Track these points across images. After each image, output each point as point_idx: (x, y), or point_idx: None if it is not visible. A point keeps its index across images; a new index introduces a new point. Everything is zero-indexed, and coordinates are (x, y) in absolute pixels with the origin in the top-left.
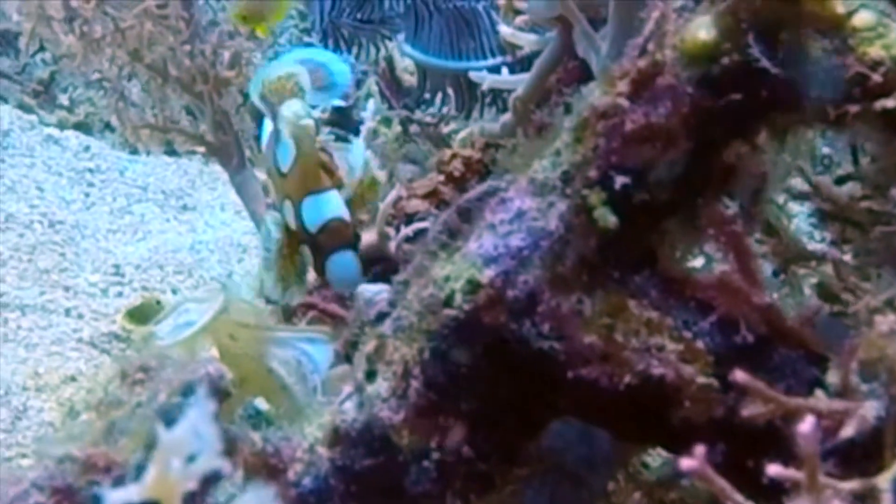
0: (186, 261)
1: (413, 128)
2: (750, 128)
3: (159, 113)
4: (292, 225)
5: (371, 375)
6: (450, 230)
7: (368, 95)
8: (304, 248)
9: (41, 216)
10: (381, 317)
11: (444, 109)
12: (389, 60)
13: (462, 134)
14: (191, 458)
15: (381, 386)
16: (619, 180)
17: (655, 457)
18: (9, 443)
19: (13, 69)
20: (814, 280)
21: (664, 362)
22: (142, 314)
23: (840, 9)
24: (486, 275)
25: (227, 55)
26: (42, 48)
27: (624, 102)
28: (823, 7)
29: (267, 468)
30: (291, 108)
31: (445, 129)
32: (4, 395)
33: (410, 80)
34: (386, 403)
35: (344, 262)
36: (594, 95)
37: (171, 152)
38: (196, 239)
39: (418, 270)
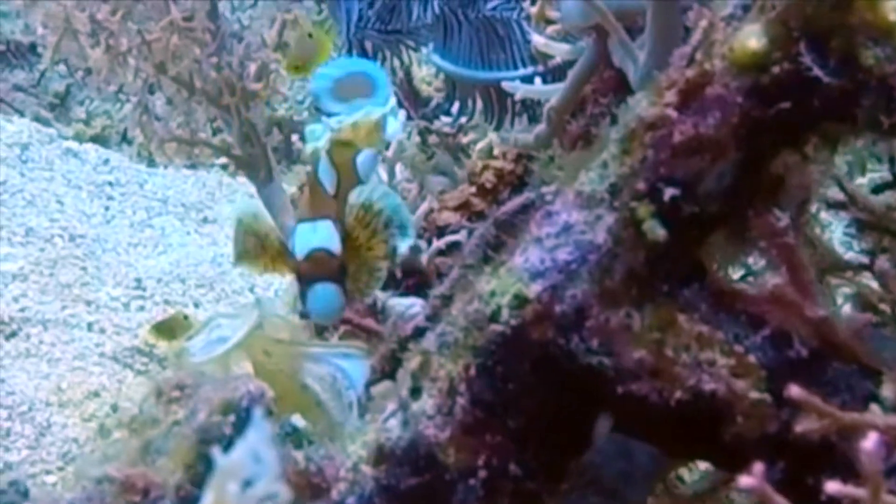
0: (208, 274)
1: (432, 138)
2: (800, 137)
3: (185, 126)
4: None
5: (416, 392)
6: (487, 243)
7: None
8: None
9: (62, 230)
10: (419, 332)
11: (463, 119)
12: (408, 71)
13: (481, 144)
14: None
15: (427, 403)
16: (668, 192)
17: (694, 471)
18: (33, 459)
19: (28, 82)
20: (846, 290)
21: (716, 377)
22: (168, 329)
23: (893, 16)
24: (533, 289)
25: (253, 67)
26: (57, 61)
27: (672, 113)
28: (876, 14)
29: (310, 487)
30: (315, 134)
31: (465, 140)
32: (28, 411)
33: (429, 90)
34: (431, 421)
35: (324, 295)
36: (641, 106)
37: (190, 165)
38: (217, 252)
39: (462, 285)
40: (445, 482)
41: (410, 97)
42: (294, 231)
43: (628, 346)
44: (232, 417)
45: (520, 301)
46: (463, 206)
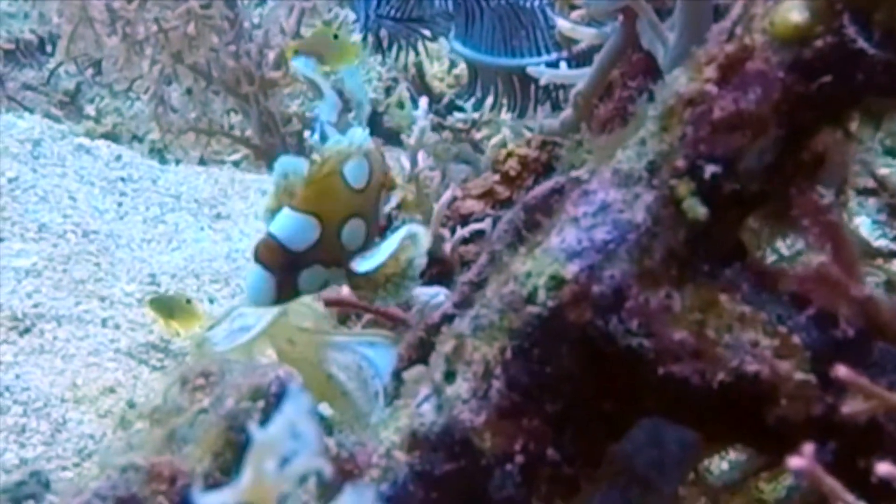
0: (223, 269)
1: (445, 134)
2: (843, 113)
3: (202, 116)
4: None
5: (450, 376)
6: (516, 228)
7: (400, 103)
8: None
9: (74, 226)
10: (448, 319)
11: (476, 115)
12: (419, 67)
13: (495, 140)
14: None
15: (461, 387)
16: (709, 169)
17: (723, 460)
18: (49, 455)
19: (38, 81)
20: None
21: (759, 358)
22: (166, 307)
23: None
24: (570, 270)
25: (271, 55)
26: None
27: (712, 89)
28: None
29: (342, 474)
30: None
31: (478, 135)
32: (43, 407)
33: (441, 86)
34: (466, 405)
35: (254, 278)
36: (679, 82)
37: (201, 161)
38: (232, 247)
39: (497, 267)
40: (481, 468)
41: (423, 93)
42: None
43: (669, 327)
44: (261, 403)
45: (556, 282)
46: (487, 195)
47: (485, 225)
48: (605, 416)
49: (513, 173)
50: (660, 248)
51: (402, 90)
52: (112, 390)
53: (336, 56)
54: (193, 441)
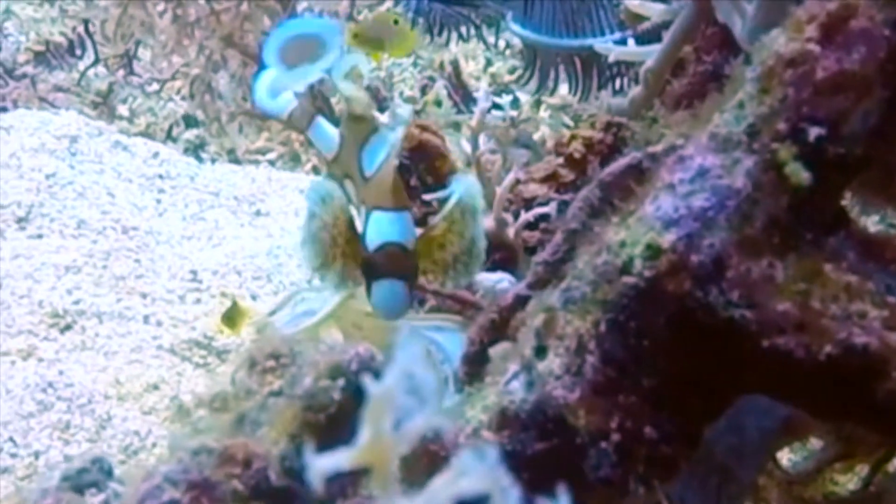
0: (264, 266)
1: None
2: None
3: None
4: (334, 205)
5: (541, 351)
6: (591, 206)
7: (437, 101)
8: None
9: (114, 222)
10: (521, 300)
11: (514, 113)
12: (455, 65)
13: (535, 136)
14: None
15: (553, 362)
16: (813, 132)
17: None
18: (94, 452)
19: (68, 82)
20: None
21: (868, 330)
22: (232, 318)
23: None
24: (668, 238)
25: None
26: (97, 61)
27: (814, 48)
28: None
29: (427, 455)
30: (404, 112)
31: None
32: (87, 404)
33: (477, 84)
34: (559, 381)
35: (390, 292)
36: (779, 43)
37: (236, 160)
38: (273, 244)
39: (589, 238)
40: (576, 446)
41: (459, 91)
42: (369, 220)
43: (771, 297)
44: (341, 382)
45: (653, 251)
46: (550, 178)
47: (549, 209)
48: (703, 392)
49: (577, 156)
50: (761, 216)
51: (440, 88)
52: (156, 387)
53: (395, 43)
54: (265, 425)
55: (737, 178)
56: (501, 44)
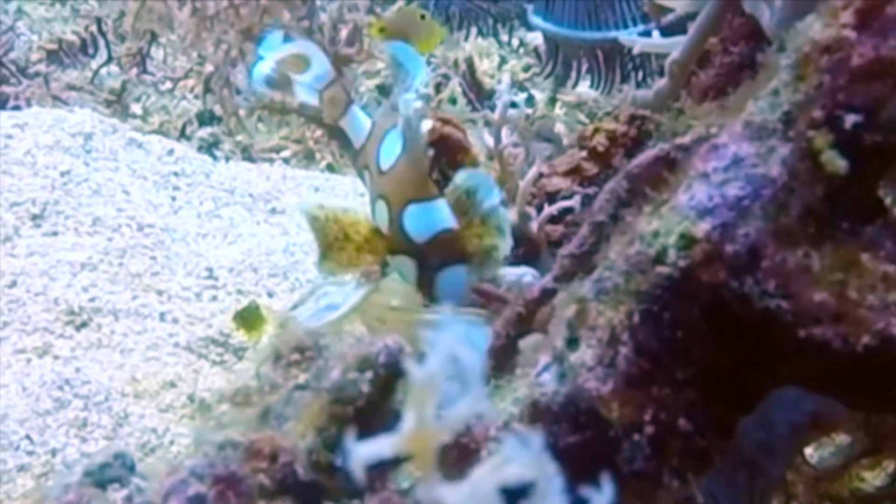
0: (281, 263)
1: None
2: None
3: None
4: (383, 227)
5: (573, 343)
6: (618, 198)
7: (452, 99)
8: (400, 260)
9: (129, 219)
10: (548, 293)
11: (529, 111)
12: (470, 63)
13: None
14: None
15: (586, 354)
16: (849, 119)
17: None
18: None
19: (81, 81)
20: None
21: None
22: (248, 318)
23: None
24: (702, 228)
25: (345, 31)
26: (109, 59)
27: (850, 34)
28: None
29: (457, 448)
30: (413, 105)
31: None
32: (104, 401)
33: (491, 82)
34: (592, 373)
35: (455, 279)
36: (814, 29)
37: (250, 159)
38: (289, 241)
39: (621, 228)
40: (609, 440)
41: (474, 89)
42: (405, 213)
43: (808, 288)
44: (369, 374)
45: (687, 241)
46: (574, 171)
47: (573, 202)
48: (738, 384)
49: (601, 149)
50: (797, 205)
51: (455, 85)
52: (173, 385)
53: (422, 38)
54: (290, 419)
55: (772, 166)
56: (515, 42)
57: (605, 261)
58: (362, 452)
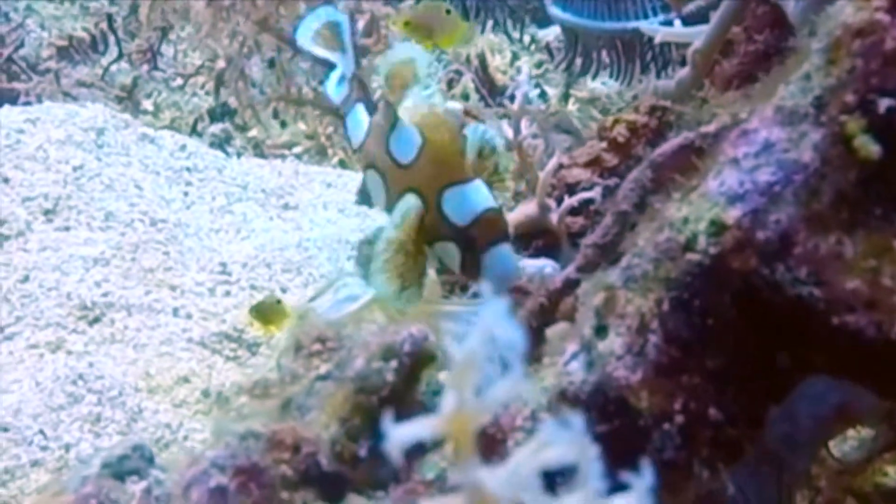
0: (294, 258)
1: None
2: None
3: (283, 87)
4: (411, 221)
5: (601, 331)
6: (643, 186)
7: (465, 95)
8: (442, 246)
9: (142, 214)
10: (571, 284)
11: (542, 106)
12: (482, 59)
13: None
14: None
15: (615, 342)
16: (883, 104)
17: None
18: None
19: (91, 77)
20: None
21: None
22: (264, 313)
23: None
24: (732, 214)
25: (361, 22)
26: (120, 56)
27: (883, 18)
28: None
29: (484, 438)
30: (426, 97)
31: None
32: (118, 396)
33: (503, 78)
34: (621, 361)
35: (503, 257)
36: (846, 13)
37: (262, 155)
38: (303, 237)
39: (650, 214)
40: (638, 429)
41: (486, 84)
42: (443, 199)
43: (840, 274)
44: (394, 363)
45: (717, 227)
46: (594, 163)
47: (593, 194)
48: (769, 372)
49: (621, 140)
50: (829, 190)
51: (467, 81)
52: (186, 380)
53: (447, 33)
54: (313, 409)
55: (804, 151)
56: (526, 39)
57: (633, 248)
58: (400, 435)
